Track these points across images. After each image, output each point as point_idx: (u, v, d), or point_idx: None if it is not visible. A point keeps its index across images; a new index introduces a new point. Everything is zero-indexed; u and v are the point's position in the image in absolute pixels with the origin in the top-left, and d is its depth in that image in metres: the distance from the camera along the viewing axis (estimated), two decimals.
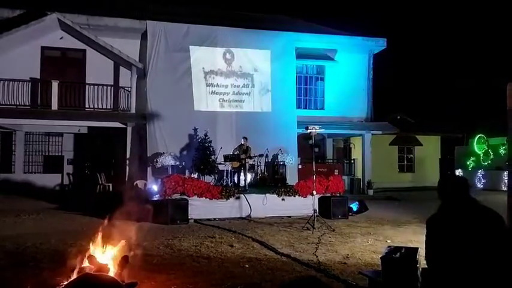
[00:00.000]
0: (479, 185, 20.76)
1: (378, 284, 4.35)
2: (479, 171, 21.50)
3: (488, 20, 32.72)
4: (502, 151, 20.60)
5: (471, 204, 2.91)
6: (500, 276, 2.72)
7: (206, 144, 14.69)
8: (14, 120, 15.36)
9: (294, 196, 11.48)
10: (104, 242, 4.74)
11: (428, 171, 22.95)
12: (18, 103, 15.66)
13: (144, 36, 16.48)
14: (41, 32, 15.83)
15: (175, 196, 10.47)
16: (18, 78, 15.64)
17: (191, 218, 10.35)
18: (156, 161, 14.65)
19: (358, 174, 20.02)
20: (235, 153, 13.25)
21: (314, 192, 10.16)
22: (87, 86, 16.41)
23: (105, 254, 4.65)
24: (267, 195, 11.38)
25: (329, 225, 9.39)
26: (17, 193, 14.85)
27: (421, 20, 38.00)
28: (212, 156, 14.46)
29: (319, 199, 11.09)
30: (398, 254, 4.31)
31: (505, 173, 19.65)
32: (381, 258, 4.35)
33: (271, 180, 14.63)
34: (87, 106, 16.33)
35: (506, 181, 19.54)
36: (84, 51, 16.74)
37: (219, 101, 16.79)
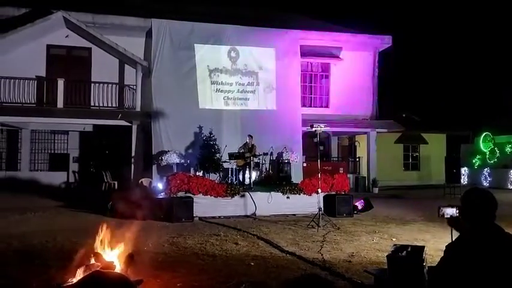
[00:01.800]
0: (485, 183, 20.64)
1: (384, 282, 4.34)
2: (485, 169, 21.38)
3: (495, 17, 32.49)
4: (508, 149, 20.48)
5: (499, 236, 2.62)
6: None
7: (211, 142, 14.71)
8: (19, 118, 15.43)
9: (299, 194, 11.47)
10: (110, 239, 4.75)
11: (433, 170, 22.86)
12: (24, 101, 15.73)
13: (149, 34, 16.49)
14: (47, 30, 15.89)
15: (180, 194, 10.50)
16: (24, 77, 15.71)
17: (196, 216, 10.37)
18: (161, 159, 14.68)
19: (363, 172, 19.96)
20: (240, 151, 13.25)
21: (319, 190, 10.15)
22: (92, 84, 16.46)
23: (111, 252, 4.67)
24: (272, 193, 11.38)
25: (334, 223, 9.38)
26: (22, 191, 14.93)
27: (426, 17, 37.81)
28: (217, 154, 14.47)
29: (324, 197, 11.07)
30: (404, 252, 4.30)
31: (511, 171, 19.59)
32: (386, 256, 4.34)
33: (276, 178, 14.62)
34: (92, 104, 16.39)
35: None
36: (90, 49, 16.79)
37: (224, 99, 16.78)
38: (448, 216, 4.29)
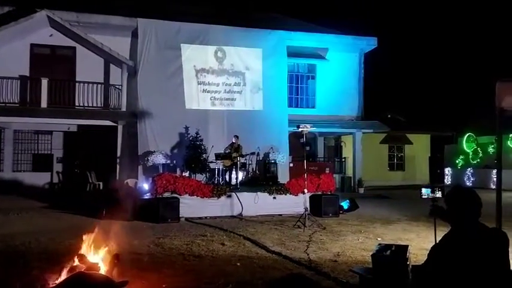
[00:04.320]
0: (468, 183, 20.96)
1: (369, 281, 4.38)
2: (468, 169, 21.71)
3: (477, 19, 33.04)
4: (490, 150, 20.80)
5: (483, 233, 2.67)
6: None
7: (197, 143, 14.67)
8: (2, 118, 15.18)
9: (285, 194, 11.50)
10: (94, 240, 4.71)
11: (418, 170, 23.12)
12: (7, 101, 15.48)
13: (135, 33, 16.37)
14: (31, 29, 15.66)
15: (166, 194, 10.44)
16: (7, 76, 15.47)
17: (182, 217, 10.32)
18: (147, 160, 14.59)
19: (349, 172, 20.10)
20: (227, 151, 13.24)
21: (305, 190, 10.19)
22: (77, 84, 16.27)
23: (95, 253, 4.62)
24: (259, 193, 11.38)
25: (320, 223, 9.42)
26: (5, 192, 14.69)
27: (411, 19, 38.26)
28: (203, 155, 14.44)
29: (310, 197, 11.11)
30: (388, 251, 4.35)
31: (494, 171, 19.88)
32: (371, 255, 4.39)
33: (263, 179, 14.64)
34: (77, 104, 16.20)
35: (494, 179, 19.81)
36: (74, 48, 16.59)
37: (211, 99, 16.75)
38: (425, 196, 4.38)
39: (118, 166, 15.69)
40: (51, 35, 16.17)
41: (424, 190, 4.40)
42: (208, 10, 19.47)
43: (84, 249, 4.60)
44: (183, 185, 10.64)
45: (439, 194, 4.44)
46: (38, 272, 4.88)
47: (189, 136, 15.13)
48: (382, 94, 28.26)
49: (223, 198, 11.04)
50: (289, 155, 17.35)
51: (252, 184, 13.63)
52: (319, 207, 11.01)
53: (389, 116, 24.69)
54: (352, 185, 19.02)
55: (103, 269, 4.47)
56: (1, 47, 15.50)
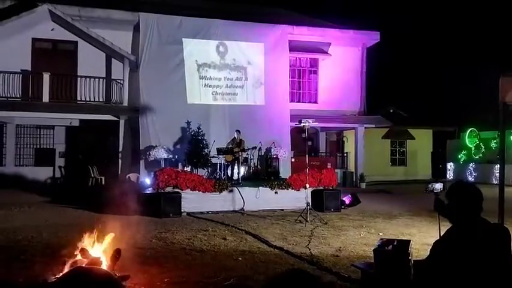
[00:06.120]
0: (471, 178, 20.92)
1: (371, 276, 4.38)
2: (471, 164, 21.67)
3: (480, 13, 32.86)
4: (493, 145, 20.75)
5: (485, 228, 2.66)
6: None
7: (199, 137, 14.68)
8: (4, 112, 15.20)
9: (287, 189, 11.49)
10: (96, 235, 4.72)
11: (420, 165, 23.08)
12: (9, 95, 15.49)
13: (136, 28, 16.34)
14: (32, 23, 15.64)
15: (168, 189, 10.44)
16: (9, 70, 15.46)
17: (184, 211, 10.33)
18: (149, 154, 14.60)
19: (351, 167, 20.07)
20: (229, 146, 13.23)
21: (307, 185, 10.18)
22: (78, 78, 16.26)
23: (97, 247, 4.63)
24: (260, 188, 11.38)
25: (322, 218, 9.42)
26: (8, 186, 14.73)
27: (414, 13, 38.09)
28: (205, 150, 14.44)
29: (312, 192, 11.10)
30: (390, 246, 4.34)
31: (496, 166, 19.86)
32: (373, 250, 4.38)
33: (265, 174, 14.62)
34: (79, 99, 16.20)
35: (497, 174, 19.81)
36: (76, 43, 16.57)
37: (212, 93, 16.73)
38: (438, 191, 4.40)
39: (120, 161, 15.71)
40: (52, 29, 16.13)
41: (437, 185, 4.39)
42: (210, 4, 19.40)
43: (86, 244, 4.61)
44: (184, 180, 10.64)
45: (440, 186, 4.46)
46: (40, 266, 4.89)
47: (190, 131, 15.13)
48: (385, 89, 28.21)
49: (225, 193, 11.04)
50: (291, 149, 17.33)
51: (253, 179, 13.61)
52: (321, 202, 11.00)
53: (391, 111, 24.65)
54: (354, 180, 18.99)
55: (105, 264, 4.48)
56: (2, 41, 15.47)
